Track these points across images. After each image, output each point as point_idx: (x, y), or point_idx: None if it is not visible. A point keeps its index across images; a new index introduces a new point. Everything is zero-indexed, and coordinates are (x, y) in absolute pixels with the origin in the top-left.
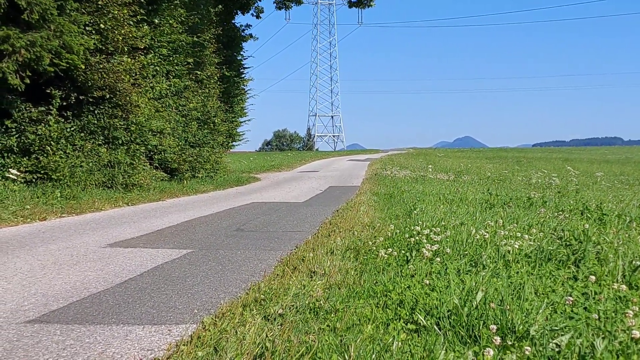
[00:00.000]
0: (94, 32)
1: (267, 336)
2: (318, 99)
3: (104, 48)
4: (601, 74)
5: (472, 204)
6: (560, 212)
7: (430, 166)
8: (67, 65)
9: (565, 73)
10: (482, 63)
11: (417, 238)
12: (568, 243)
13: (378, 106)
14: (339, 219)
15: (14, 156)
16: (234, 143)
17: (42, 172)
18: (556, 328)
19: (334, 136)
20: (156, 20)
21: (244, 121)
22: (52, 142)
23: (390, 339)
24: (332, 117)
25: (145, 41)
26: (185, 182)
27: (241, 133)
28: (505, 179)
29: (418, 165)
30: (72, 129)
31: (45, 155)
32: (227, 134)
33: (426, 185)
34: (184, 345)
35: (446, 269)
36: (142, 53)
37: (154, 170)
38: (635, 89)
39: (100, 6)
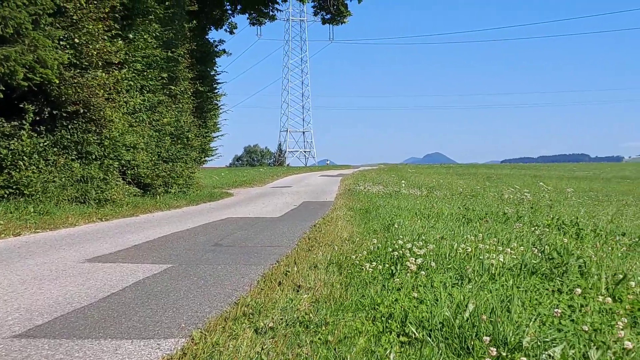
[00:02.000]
0: (68, 46)
1: (261, 349)
2: (289, 114)
3: (78, 62)
4: (568, 91)
5: (449, 218)
6: (536, 227)
7: (403, 182)
8: (41, 80)
9: (532, 90)
10: (451, 80)
11: (400, 252)
12: (550, 257)
13: (349, 122)
14: (317, 233)
15: None
16: (207, 158)
17: (14, 187)
18: (547, 340)
19: (305, 152)
20: (130, 35)
21: (217, 136)
22: (24, 157)
23: (386, 351)
24: (303, 132)
25: (120, 56)
26: (158, 197)
27: (214, 148)
28: (478, 194)
29: (390, 180)
30: (45, 143)
31: (17, 170)
32: (200, 149)
33: (401, 200)
34: (175, 359)
35: (432, 282)
36: (117, 68)
37: (127, 186)
38: (603, 106)
39: (74, 21)
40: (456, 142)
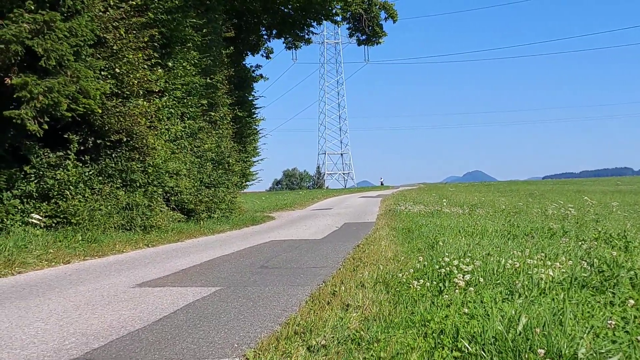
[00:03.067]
0: (109, 76)
1: None
2: (327, 137)
3: (119, 92)
4: (608, 104)
5: (494, 235)
6: (583, 241)
7: (444, 200)
8: (84, 110)
9: (572, 104)
10: (489, 97)
11: (446, 269)
12: (600, 270)
13: (387, 143)
14: (361, 253)
15: (34, 201)
16: (247, 183)
17: (62, 216)
18: (602, 351)
19: (344, 173)
20: (170, 64)
21: (257, 161)
22: (70, 187)
23: None
24: (341, 154)
25: (160, 84)
26: (202, 222)
27: (254, 172)
28: (521, 211)
29: (431, 200)
30: (90, 172)
31: (64, 199)
32: (241, 174)
33: (443, 219)
34: None
35: (482, 298)
36: (157, 96)
37: (172, 212)
38: None
39: (115, 51)
40: (496, 159)
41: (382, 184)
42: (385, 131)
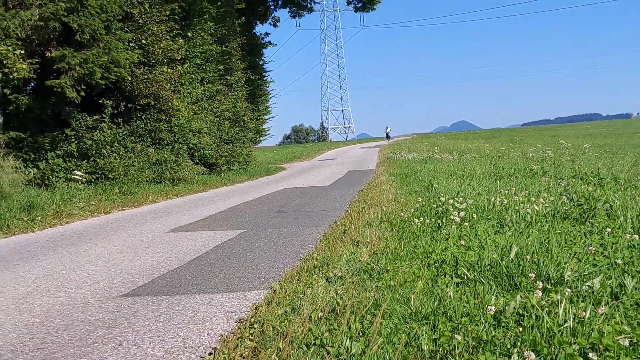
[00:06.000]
0: (137, 47)
1: (336, 294)
2: (329, 95)
3: (146, 61)
4: (580, 57)
5: (482, 177)
6: (561, 179)
7: (435, 148)
8: (116, 78)
9: (547, 59)
10: (472, 54)
11: (443, 207)
12: (579, 203)
13: (383, 98)
14: (365, 197)
15: (75, 160)
16: (261, 138)
17: (100, 172)
18: (585, 273)
19: (345, 127)
20: (189, 34)
21: (268, 118)
22: (107, 146)
23: (444, 290)
24: (342, 110)
25: (181, 53)
26: (222, 174)
27: (267, 129)
28: (504, 155)
29: (424, 148)
30: (123, 133)
31: (101, 157)
32: (255, 131)
33: (435, 164)
34: (262, 306)
35: (476, 232)
36: (179, 63)
37: (196, 166)
38: (612, 68)
39: (140, 24)
40: (479, 109)
41: (387, 136)
42: (381, 88)
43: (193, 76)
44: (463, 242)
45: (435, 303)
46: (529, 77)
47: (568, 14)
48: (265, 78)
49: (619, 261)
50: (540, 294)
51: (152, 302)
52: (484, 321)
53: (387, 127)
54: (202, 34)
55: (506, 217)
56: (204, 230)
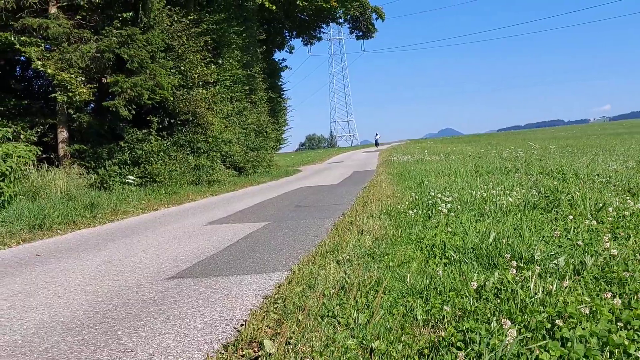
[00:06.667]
0: (177, 72)
1: (345, 273)
2: (336, 109)
3: (185, 84)
4: (547, 72)
5: (465, 174)
6: (531, 175)
7: (425, 151)
8: (160, 98)
9: (519, 74)
10: (456, 69)
11: (432, 200)
12: (546, 195)
13: (381, 110)
14: (368, 193)
15: (128, 167)
16: (280, 145)
17: (149, 176)
18: (552, 253)
19: (350, 135)
20: (220, 61)
21: (286, 129)
22: (154, 155)
23: (434, 269)
24: (347, 121)
25: (214, 76)
26: (249, 176)
27: (285, 138)
28: (483, 156)
29: (416, 151)
30: (167, 144)
31: (150, 164)
32: (275, 140)
33: (426, 164)
34: (283, 285)
35: (460, 220)
36: (212, 85)
37: (227, 169)
38: (572, 81)
39: (180, 54)
40: (462, 117)
41: (376, 143)
42: (380, 101)
43: (224, 96)
44: (450, 229)
45: (427, 280)
46: (503, 89)
47: (544, 37)
48: (283, 96)
49: (580, 242)
50: (515, 271)
51: (194, 283)
52: (468, 294)
53: (376, 134)
54: (230, 61)
55: (485, 207)
56: (235, 223)
